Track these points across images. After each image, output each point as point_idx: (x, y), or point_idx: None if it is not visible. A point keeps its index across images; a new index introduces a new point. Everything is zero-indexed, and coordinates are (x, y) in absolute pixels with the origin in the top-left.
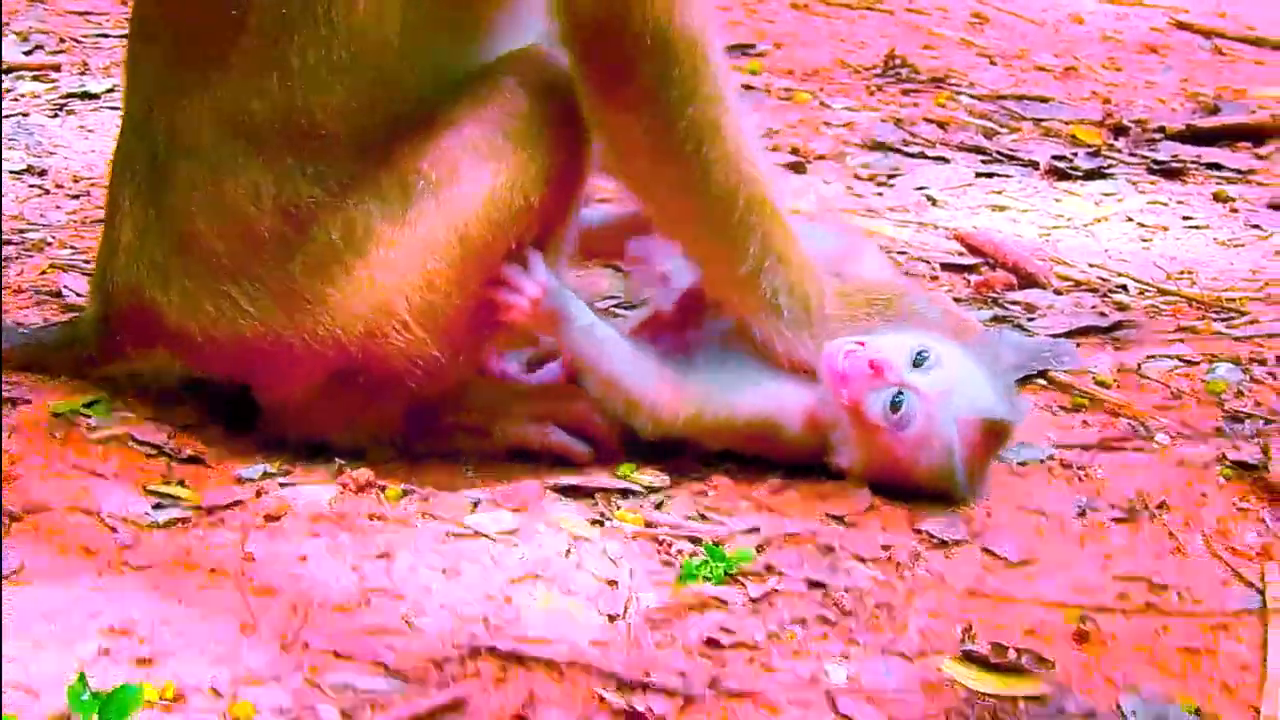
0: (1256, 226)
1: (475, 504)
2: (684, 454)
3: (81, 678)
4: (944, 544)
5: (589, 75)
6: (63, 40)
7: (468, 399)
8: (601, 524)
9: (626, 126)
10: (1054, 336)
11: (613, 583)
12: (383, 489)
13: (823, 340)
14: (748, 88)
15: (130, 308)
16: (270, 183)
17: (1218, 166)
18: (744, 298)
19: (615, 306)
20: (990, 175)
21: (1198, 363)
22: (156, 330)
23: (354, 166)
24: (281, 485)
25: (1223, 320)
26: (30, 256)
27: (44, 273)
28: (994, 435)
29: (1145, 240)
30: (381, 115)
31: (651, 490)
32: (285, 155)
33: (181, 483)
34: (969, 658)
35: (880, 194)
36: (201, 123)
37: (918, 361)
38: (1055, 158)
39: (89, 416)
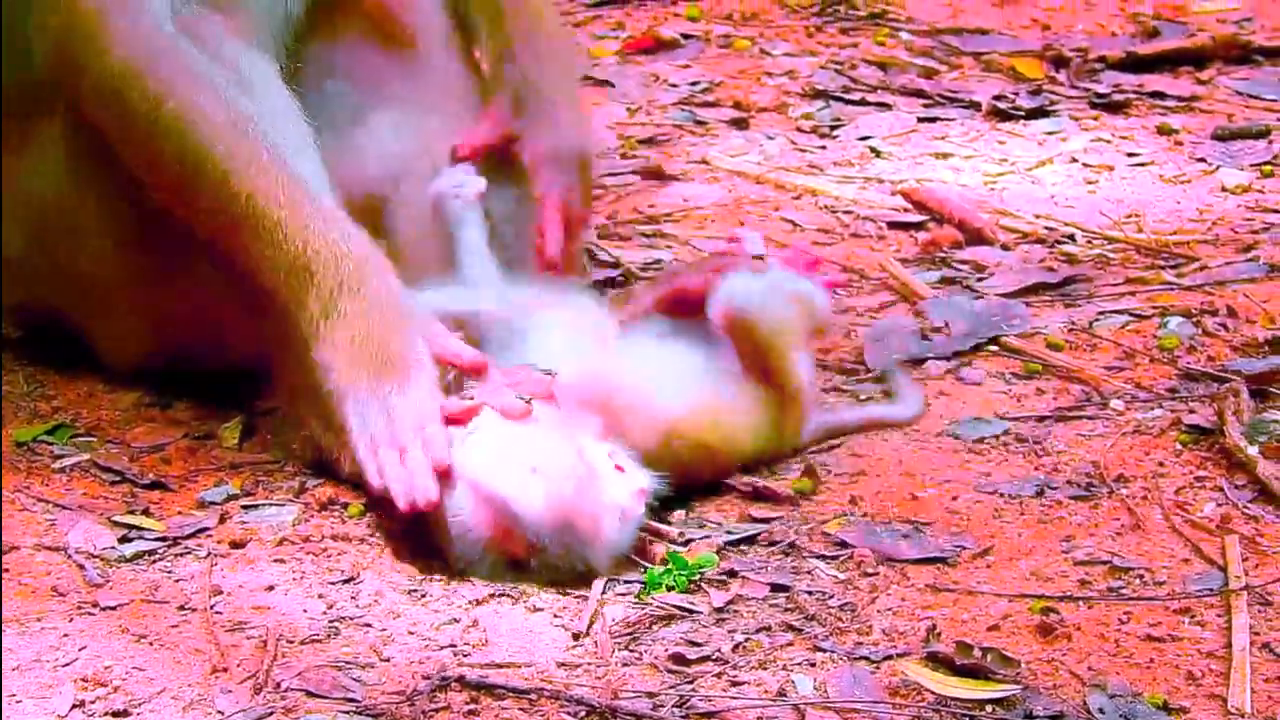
0: (1202, 160)
1: None
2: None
3: None
4: (904, 535)
5: None
6: None
7: None
8: None
9: None
10: (1004, 297)
11: (580, 596)
12: (344, 506)
13: None
14: (687, 36)
15: None
16: None
17: (1160, 95)
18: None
19: None
20: (933, 120)
21: (1149, 317)
22: None
23: None
24: (244, 508)
25: (1172, 268)
26: None
27: None
28: None
29: (1090, 182)
30: None
31: None
32: None
33: (146, 511)
34: (934, 660)
35: (824, 147)
36: None
37: None
38: (996, 97)
39: (51, 444)
